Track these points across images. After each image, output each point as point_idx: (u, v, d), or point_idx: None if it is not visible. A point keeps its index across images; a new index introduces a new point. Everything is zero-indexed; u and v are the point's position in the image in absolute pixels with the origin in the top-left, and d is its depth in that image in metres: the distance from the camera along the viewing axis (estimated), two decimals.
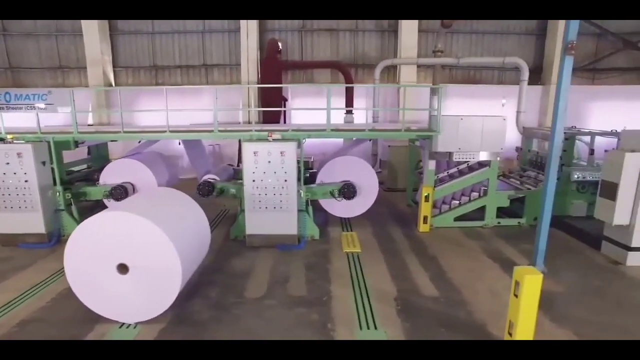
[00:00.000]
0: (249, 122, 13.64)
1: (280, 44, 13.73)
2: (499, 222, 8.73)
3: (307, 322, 5.11)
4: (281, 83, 13.35)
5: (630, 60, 14.45)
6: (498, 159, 8.39)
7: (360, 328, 4.98)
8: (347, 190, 8.07)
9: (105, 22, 13.38)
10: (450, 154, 8.18)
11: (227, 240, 8.03)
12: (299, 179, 7.63)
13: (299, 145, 7.58)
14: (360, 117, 13.00)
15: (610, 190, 6.83)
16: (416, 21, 13.07)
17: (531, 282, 4.29)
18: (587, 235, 7.84)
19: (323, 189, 8.25)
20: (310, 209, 7.99)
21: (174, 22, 13.86)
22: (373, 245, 7.75)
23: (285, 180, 7.28)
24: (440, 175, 8.64)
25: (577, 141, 9.40)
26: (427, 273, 6.52)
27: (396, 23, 13.63)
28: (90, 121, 13.24)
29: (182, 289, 5.57)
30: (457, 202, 8.68)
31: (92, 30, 12.77)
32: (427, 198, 8.21)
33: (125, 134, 7.70)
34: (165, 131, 7.69)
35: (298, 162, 7.49)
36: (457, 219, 8.72)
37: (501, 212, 8.93)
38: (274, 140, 7.36)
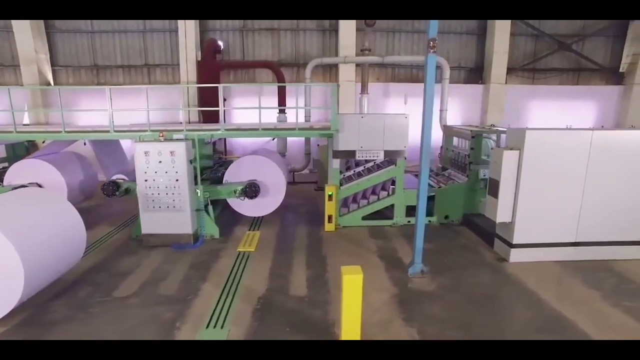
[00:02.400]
0: (189, 122, 13.62)
1: (221, 44, 13.73)
2: (409, 221, 8.77)
3: (157, 321, 5.10)
4: (219, 83, 13.32)
5: (566, 61, 14.61)
6: (405, 157, 8.45)
7: (207, 327, 4.99)
8: (250, 190, 8.07)
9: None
10: (353, 152, 8.23)
11: (129, 239, 8.01)
12: (196, 179, 7.65)
13: (194, 145, 7.59)
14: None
15: (494, 188, 6.91)
16: (354, 21, 13.07)
17: (351, 281, 4.33)
18: (485, 233, 7.92)
19: (227, 189, 8.26)
20: (210, 208, 7.98)
21: (114, 21, 13.75)
22: (270, 244, 7.77)
23: (177, 180, 7.26)
24: (347, 173, 8.68)
25: (490, 140, 9.47)
26: (308, 272, 6.54)
27: (337, 22, 13.63)
28: (26, 121, 13.13)
29: (46, 288, 5.60)
30: (366, 201, 8.72)
31: (24, 27, 12.58)
32: (330, 197, 8.23)
33: (17, 134, 7.64)
34: (61, 131, 7.64)
35: (192, 161, 7.49)
36: (370, 217, 8.75)
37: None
38: (165, 140, 7.35)
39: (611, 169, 6.65)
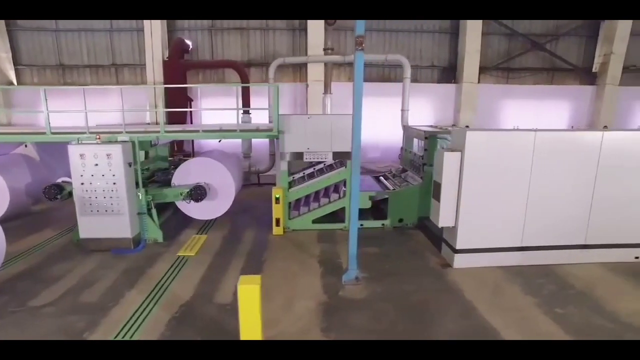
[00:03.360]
0: (157, 123, 13.41)
1: (190, 44, 13.54)
2: (361, 224, 8.54)
3: (65, 332, 4.89)
4: (186, 83, 13.14)
5: (540, 61, 14.44)
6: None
7: (116, 337, 4.79)
8: (195, 193, 7.86)
9: None
10: (300, 154, 8.02)
11: (69, 244, 7.79)
12: (137, 182, 7.45)
13: (135, 147, 7.39)
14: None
15: (437, 191, 6.70)
16: (322, 20, 12.86)
17: (246, 292, 4.11)
18: (436, 238, 7.71)
19: (174, 192, 8.04)
20: (154, 211, 7.77)
21: (79, 20, 13.53)
22: (213, 248, 7.56)
23: (114, 183, 7.05)
24: (298, 175, 8.47)
25: (447, 141, 9.26)
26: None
27: (306, 22, 13.42)
28: None
29: None
30: (317, 203, 8.51)
31: None
32: (277, 200, 8.03)
33: None
34: None
35: (131, 164, 7.28)
36: (322, 220, 8.54)
37: (370, 214, 8.81)
38: (103, 142, 7.14)
39: (556, 171, 6.45)
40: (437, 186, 6.66)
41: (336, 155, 8.13)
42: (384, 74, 14.41)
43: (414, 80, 14.49)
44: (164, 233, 7.85)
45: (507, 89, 14.49)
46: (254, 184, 12.75)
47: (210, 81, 14.06)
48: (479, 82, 14.07)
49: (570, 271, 6.57)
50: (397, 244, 7.87)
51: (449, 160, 6.36)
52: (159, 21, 12.94)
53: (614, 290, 6.01)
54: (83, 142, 7.24)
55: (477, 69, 13.73)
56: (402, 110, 10.11)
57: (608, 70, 13.70)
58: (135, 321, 5.11)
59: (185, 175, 8.19)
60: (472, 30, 13.39)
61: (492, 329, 4.95)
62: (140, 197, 7.51)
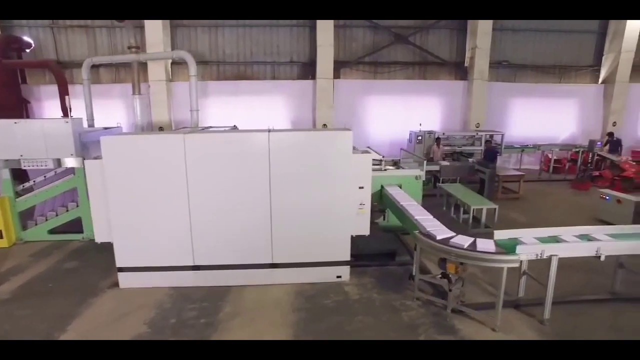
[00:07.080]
0: None
1: (32, 42, 13.08)
2: None
3: None
4: (24, 82, 12.71)
5: (411, 55, 13.42)
6: None
7: None
8: None
9: None
10: (17, 161, 7.43)
11: None
12: None
13: None
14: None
15: None
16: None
17: None
18: None
19: None
20: None
21: None
22: None
23: None
24: (27, 184, 7.88)
25: None
26: None
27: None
28: None
29: None
30: (55, 213, 7.92)
31: None
32: None
33: None
34: None
35: None
36: (63, 231, 7.90)
37: None
38: None
39: (219, 179, 5.63)
40: None
41: (58, 162, 7.49)
42: (240, 71, 13.63)
43: (273, 77, 13.76)
44: None
45: (374, 84, 13.52)
46: None
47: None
48: (339, 77, 13.18)
49: (245, 295, 5.75)
50: (103, 258, 7.12)
51: (91, 169, 5.63)
52: None
53: (250, 318, 5.17)
54: None
55: (332, 64, 12.82)
56: (191, 110, 9.34)
57: (475, 65, 12.59)
58: None
59: None
60: (323, 23, 12.49)
61: None
62: None
